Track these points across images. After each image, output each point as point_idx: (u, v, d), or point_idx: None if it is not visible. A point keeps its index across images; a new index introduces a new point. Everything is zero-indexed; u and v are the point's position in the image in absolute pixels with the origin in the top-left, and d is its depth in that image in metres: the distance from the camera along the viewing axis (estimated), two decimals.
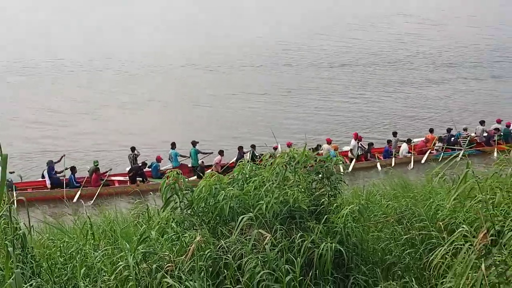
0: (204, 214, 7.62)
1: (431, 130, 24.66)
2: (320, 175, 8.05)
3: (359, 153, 23.38)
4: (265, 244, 6.49)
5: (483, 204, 5.85)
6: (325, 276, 6.69)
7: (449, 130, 24.47)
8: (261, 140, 21.90)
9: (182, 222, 7.61)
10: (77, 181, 20.90)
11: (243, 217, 6.80)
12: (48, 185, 20.62)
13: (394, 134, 24.29)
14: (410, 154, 23.20)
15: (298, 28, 51.45)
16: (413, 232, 7.90)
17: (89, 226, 7.78)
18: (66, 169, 21.13)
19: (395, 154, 23.45)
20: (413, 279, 6.93)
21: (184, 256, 6.46)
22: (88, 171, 21.38)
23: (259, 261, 6.34)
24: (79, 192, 20.04)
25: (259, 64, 39.45)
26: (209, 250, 6.61)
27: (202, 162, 22.14)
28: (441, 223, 7.22)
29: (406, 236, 7.87)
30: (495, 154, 22.14)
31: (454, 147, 23.30)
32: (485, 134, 24.61)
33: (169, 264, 6.46)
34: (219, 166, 21.48)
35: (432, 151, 23.61)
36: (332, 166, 8.05)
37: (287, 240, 6.83)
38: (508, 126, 24.67)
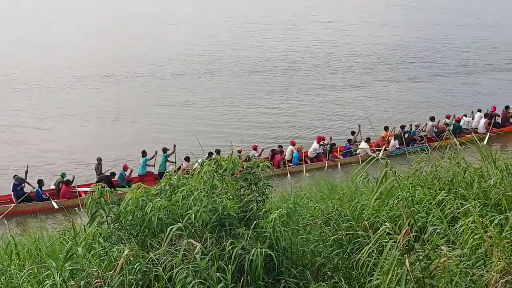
0: (132, 227, 7.49)
1: (386, 128, 25.50)
2: (248, 181, 8.10)
3: (320, 152, 24.00)
4: (195, 254, 6.46)
5: (403, 202, 6.06)
6: (257, 282, 6.73)
7: (402, 127, 25.39)
8: (188, 149, 21.80)
9: (109, 236, 7.46)
10: (45, 194, 20.43)
11: (172, 228, 6.73)
12: (14, 199, 20.16)
13: (353, 133, 24.97)
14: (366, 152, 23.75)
15: (217, 35, 51.72)
16: (340, 232, 8.07)
17: (14, 245, 7.52)
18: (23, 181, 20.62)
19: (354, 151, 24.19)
20: (342, 278, 7.08)
21: (112, 271, 6.35)
22: (54, 184, 21.02)
23: (190, 271, 6.30)
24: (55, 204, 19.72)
25: (180, 73, 39.29)
26: (138, 263, 6.52)
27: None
28: (366, 222, 7.42)
29: (333, 237, 8.02)
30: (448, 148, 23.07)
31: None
32: (435, 129, 25.72)
33: (97, 280, 6.33)
34: (184, 172, 21.24)
35: (387, 148, 24.26)
36: (259, 172, 8.12)
37: (217, 248, 6.83)
38: (458, 121, 26.13)
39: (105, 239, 7.32)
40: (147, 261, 6.59)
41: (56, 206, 19.47)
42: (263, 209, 7.66)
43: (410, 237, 5.38)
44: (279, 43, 48.01)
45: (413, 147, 23.13)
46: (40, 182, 20.46)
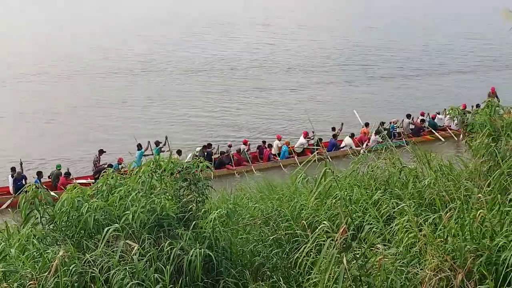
0: (68, 228, 7.32)
1: (367, 124, 26.00)
2: (187, 182, 8.03)
3: (305, 147, 24.40)
4: (132, 255, 6.36)
5: (341, 201, 6.14)
6: (196, 282, 6.68)
7: (382, 123, 26.00)
8: (125, 148, 21.60)
9: (44, 238, 7.27)
10: (44, 186, 19.60)
11: (108, 229, 6.61)
12: (11, 191, 19.95)
13: (333, 129, 25.44)
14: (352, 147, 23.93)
15: (151, 35, 51.34)
16: (280, 232, 8.11)
17: None
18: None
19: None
20: (280, 278, 7.11)
21: (47, 273, 6.17)
22: (50, 176, 20.86)
23: (127, 273, 6.20)
24: None
25: (115, 71, 38.69)
26: (74, 264, 6.36)
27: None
28: (304, 221, 7.47)
29: (273, 237, 8.06)
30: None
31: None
32: (412, 126, 26.74)
33: (31, 282, 6.15)
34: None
35: (368, 143, 24.68)
36: (200, 172, 8.07)
37: (155, 249, 6.74)
38: (433, 118, 27.05)
39: (40, 240, 7.13)
40: (83, 262, 6.45)
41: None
42: (203, 210, 7.62)
43: (347, 235, 5.44)
44: (216, 45, 47.90)
45: (394, 142, 23.73)
46: (39, 174, 20.27)
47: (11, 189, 20.15)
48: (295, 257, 6.66)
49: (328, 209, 7.72)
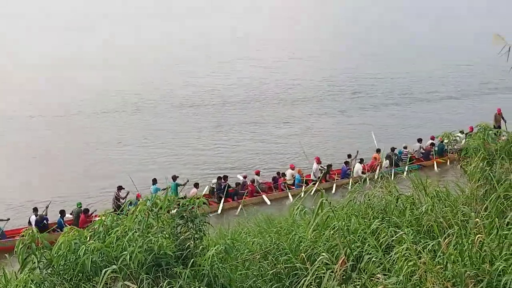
0: (65, 271, 7.25)
1: (378, 150, 26.08)
2: (184, 219, 7.99)
3: (319, 176, 24.69)
4: None
5: (339, 232, 6.12)
6: None
7: (393, 149, 26.53)
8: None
9: (42, 282, 7.18)
10: (66, 224, 19.56)
11: (106, 270, 6.56)
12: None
13: (349, 156, 25.81)
14: (363, 173, 24.24)
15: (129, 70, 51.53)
16: (279, 266, 8.05)
17: None
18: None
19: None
20: None
21: None
22: (72, 213, 20.97)
23: None
24: None
25: (100, 111, 38.39)
26: None
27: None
28: (303, 254, 7.42)
29: (272, 271, 7.99)
30: (435, 167, 26.13)
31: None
32: (423, 150, 27.30)
33: None
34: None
35: (380, 168, 24.63)
36: (197, 209, 8.04)
37: None
38: (441, 142, 27.08)
39: (38, 285, 7.05)
40: None
41: None
42: (201, 246, 7.57)
43: (347, 266, 5.43)
44: (205, 79, 47.99)
45: (400, 168, 24.93)
46: (62, 213, 20.43)
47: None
48: None
49: (327, 240, 7.67)
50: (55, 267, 7.26)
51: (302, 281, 5.98)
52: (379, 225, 7.64)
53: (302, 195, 20.78)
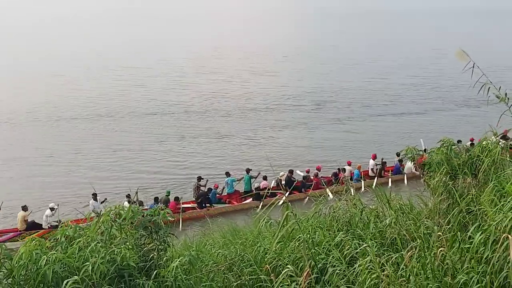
0: (26, 282, 7.08)
1: (425, 150, 25.79)
2: (148, 230, 7.90)
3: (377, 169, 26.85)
4: None
5: (304, 244, 6.13)
6: None
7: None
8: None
9: None
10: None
11: (67, 281, 6.43)
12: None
13: (398, 154, 26.25)
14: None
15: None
16: (244, 278, 8.01)
17: None
18: None
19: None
20: None
21: None
22: (160, 201, 22.44)
23: None
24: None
25: (57, 117, 38.49)
26: None
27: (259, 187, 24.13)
28: (268, 266, 7.40)
29: (236, 283, 7.95)
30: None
31: None
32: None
33: None
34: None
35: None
36: (160, 220, 7.96)
37: None
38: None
39: None
40: None
41: None
42: (165, 258, 7.49)
43: (311, 279, 5.43)
44: (166, 92, 47.98)
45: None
46: (156, 200, 22.25)
47: None
48: None
49: (292, 252, 7.67)
50: (16, 277, 7.09)
51: None
52: (343, 237, 7.67)
53: (363, 189, 22.69)
